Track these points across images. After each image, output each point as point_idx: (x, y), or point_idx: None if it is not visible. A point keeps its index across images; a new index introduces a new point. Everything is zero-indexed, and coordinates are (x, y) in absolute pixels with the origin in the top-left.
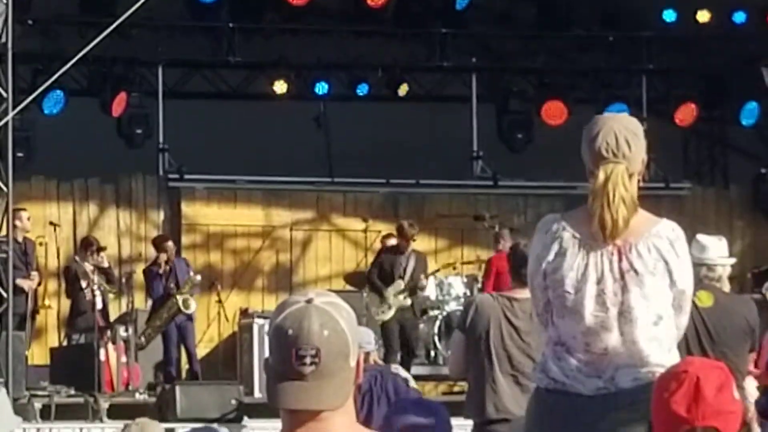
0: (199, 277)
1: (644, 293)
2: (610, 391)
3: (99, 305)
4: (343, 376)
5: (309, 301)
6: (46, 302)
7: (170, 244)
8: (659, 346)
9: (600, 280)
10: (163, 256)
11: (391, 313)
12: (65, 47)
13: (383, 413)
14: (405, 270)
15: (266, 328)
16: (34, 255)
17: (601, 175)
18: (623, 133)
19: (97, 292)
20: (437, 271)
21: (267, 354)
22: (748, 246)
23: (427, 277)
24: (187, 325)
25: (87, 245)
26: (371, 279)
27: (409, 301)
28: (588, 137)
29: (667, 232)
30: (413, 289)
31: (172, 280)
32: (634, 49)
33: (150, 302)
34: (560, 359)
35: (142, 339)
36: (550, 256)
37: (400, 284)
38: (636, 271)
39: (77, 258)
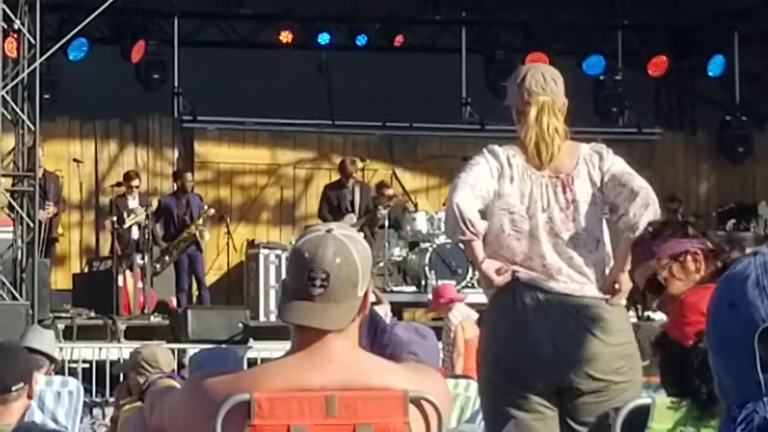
0: (213, 210)
1: (584, 220)
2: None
3: (135, 235)
4: (349, 303)
5: (329, 231)
6: (59, 231)
7: (189, 174)
8: (603, 270)
9: (546, 209)
10: (178, 184)
11: None
12: None
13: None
14: (352, 202)
15: (271, 257)
16: (54, 188)
17: (534, 109)
18: (549, 72)
19: (135, 225)
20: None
21: (285, 275)
22: (714, 187)
23: (377, 207)
24: (197, 255)
25: (129, 179)
26: (321, 215)
27: (362, 234)
28: (515, 80)
29: (592, 155)
30: (371, 221)
31: (187, 212)
32: (611, 5)
33: (162, 232)
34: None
35: (158, 266)
36: (501, 179)
37: (352, 217)
38: (577, 201)
39: (121, 192)
